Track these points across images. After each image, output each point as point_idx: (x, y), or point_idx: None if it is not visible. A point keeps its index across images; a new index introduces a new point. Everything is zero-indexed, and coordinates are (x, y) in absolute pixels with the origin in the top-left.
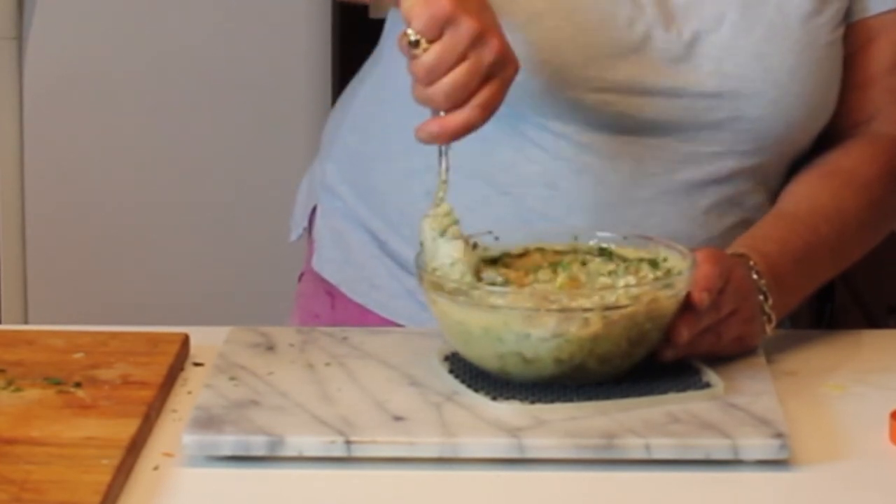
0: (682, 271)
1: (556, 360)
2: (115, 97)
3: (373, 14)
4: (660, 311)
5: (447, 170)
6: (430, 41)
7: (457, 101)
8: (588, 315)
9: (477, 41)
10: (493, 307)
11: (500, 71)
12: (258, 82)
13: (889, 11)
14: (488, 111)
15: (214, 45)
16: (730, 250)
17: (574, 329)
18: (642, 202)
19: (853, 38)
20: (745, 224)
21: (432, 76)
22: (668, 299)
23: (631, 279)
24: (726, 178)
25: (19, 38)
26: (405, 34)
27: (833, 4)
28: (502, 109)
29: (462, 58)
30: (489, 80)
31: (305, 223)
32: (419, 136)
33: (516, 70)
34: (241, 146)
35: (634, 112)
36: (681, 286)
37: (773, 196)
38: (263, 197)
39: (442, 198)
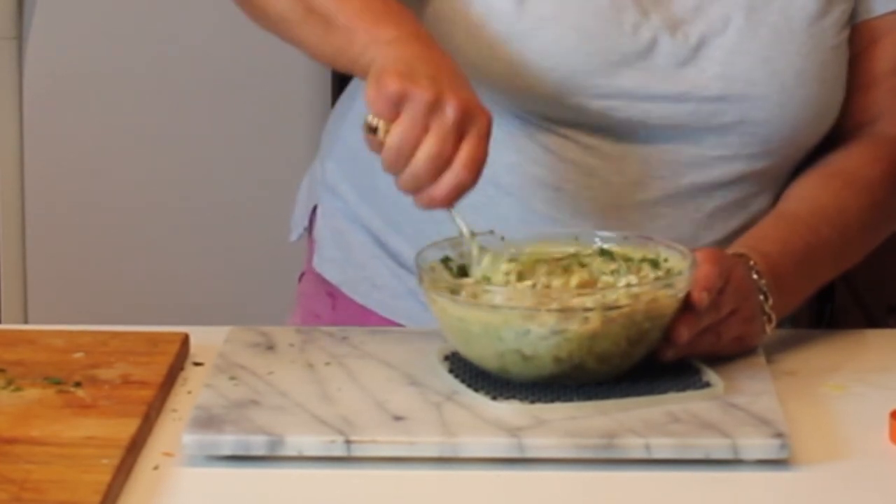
0: (682, 271)
1: (555, 359)
2: (115, 97)
3: None
4: (659, 310)
5: (466, 226)
6: (391, 123)
7: (439, 170)
8: (588, 314)
9: (434, 107)
10: (493, 306)
11: (471, 126)
12: (258, 82)
13: (893, 12)
14: (474, 168)
15: (214, 44)
16: (730, 250)
17: (574, 328)
18: (648, 205)
19: (857, 39)
20: (750, 227)
21: (401, 157)
22: (668, 299)
23: (632, 278)
24: (732, 182)
25: (19, 38)
26: (365, 122)
27: (838, 6)
28: (508, 113)
29: (424, 129)
30: (464, 138)
31: (306, 223)
32: (420, 204)
33: (489, 120)
34: (242, 146)
35: (641, 118)
36: (681, 286)
37: (779, 199)
38: (264, 196)
39: (480, 252)
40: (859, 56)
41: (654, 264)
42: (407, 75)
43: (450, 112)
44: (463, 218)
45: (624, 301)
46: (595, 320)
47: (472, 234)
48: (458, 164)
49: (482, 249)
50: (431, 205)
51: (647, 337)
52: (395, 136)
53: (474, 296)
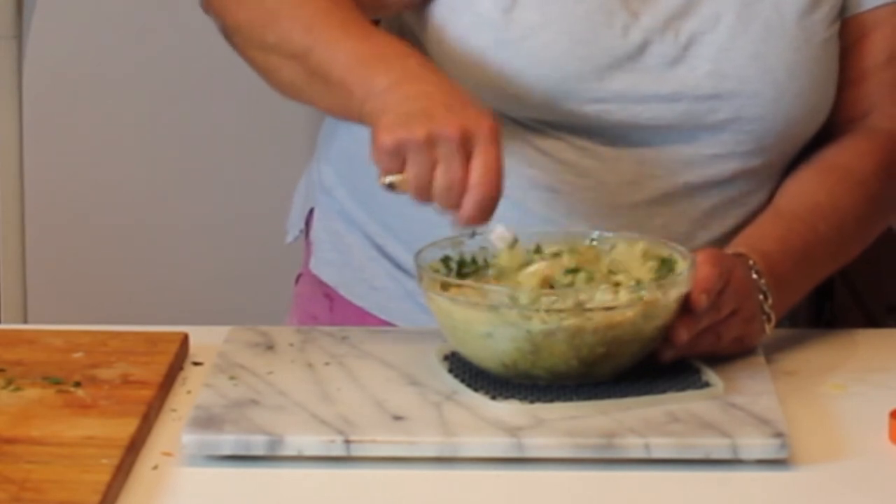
0: (682, 272)
1: (555, 359)
2: (115, 97)
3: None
4: (659, 311)
5: (500, 240)
6: (403, 173)
7: (459, 195)
8: (588, 314)
9: (431, 143)
10: (492, 305)
11: (475, 140)
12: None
13: (883, 6)
14: (489, 180)
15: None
16: (729, 249)
17: (574, 328)
18: (644, 205)
19: (848, 33)
20: (746, 225)
21: (426, 197)
22: (668, 300)
23: (632, 278)
24: (728, 180)
25: (19, 37)
26: (382, 184)
27: (828, 1)
28: (501, 117)
29: (433, 166)
30: (475, 152)
31: (302, 225)
32: (461, 227)
33: (490, 126)
34: (242, 146)
35: (634, 119)
36: (680, 287)
37: (774, 195)
38: (264, 197)
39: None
40: (850, 50)
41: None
42: (398, 125)
43: (445, 141)
44: (497, 233)
45: (624, 301)
46: (595, 321)
47: (515, 241)
48: (474, 181)
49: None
50: (470, 223)
51: (647, 337)
52: (412, 185)
53: (474, 295)
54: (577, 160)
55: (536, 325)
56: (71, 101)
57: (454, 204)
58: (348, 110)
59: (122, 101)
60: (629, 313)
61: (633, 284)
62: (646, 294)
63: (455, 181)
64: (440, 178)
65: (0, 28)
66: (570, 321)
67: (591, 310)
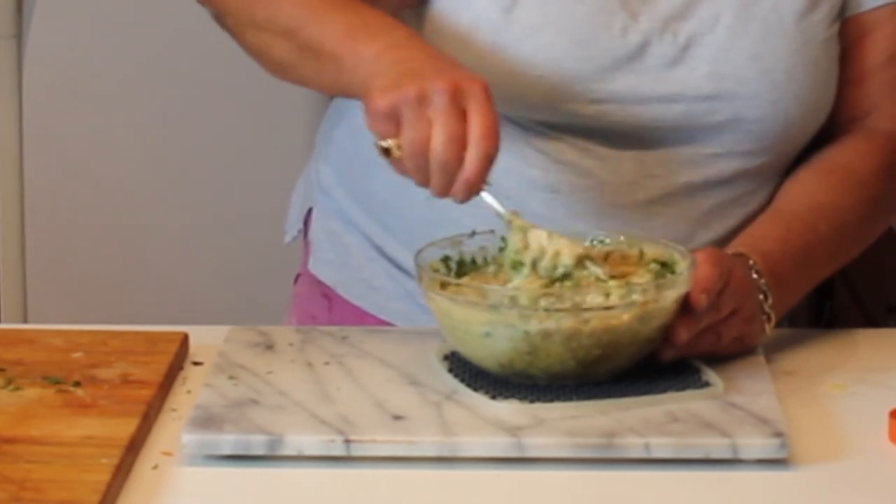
0: (682, 272)
1: (555, 359)
2: (115, 97)
3: None
4: (659, 311)
5: (500, 206)
6: (398, 138)
7: (459, 151)
8: (587, 314)
9: (423, 100)
10: (492, 305)
11: (468, 98)
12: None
13: (883, 6)
14: (491, 135)
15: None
16: (729, 249)
17: (573, 328)
18: (644, 205)
19: (848, 33)
20: (747, 225)
21: (423, 158)
22: (668, 300)
23: (631, 279)
24: (728, 180)
25: (19, 37)
26: (377, 148)
27: (827, 1)
28: (501, 117)
29: (428, 124)
30: (470, 109)
31: (301, 225)
32: (460, 197)
33: (483, 86)
34: (241, 146)
35: (634, 120)
36: (680, 286)
37: (774, 195)
38: (263, 196)
39: (520, 228)
40: (850, 50)
41: (665, 265)
42: (390, 87)
43: (439, 96)
44: (495, 198)
45: (623, 301)
46: (595, 321)
47: (513, 214)
48: (474, 137)
49: (519, 227)
50: (469, 189)
51: (647, 337)
52: (407, 142)
53: (473, 295)
54: (577, 161)
55: (534, 325)
56: (71, 101)
57: (454, 159)
58: (339, 83)
59: (122, 101)
60: (625, 317)
61: (629, 287)
62: (641, 298)
63: (455, 134)
64: (438, 133)
65: (0, 28)
66: (567, 323)
67: (588, 310)
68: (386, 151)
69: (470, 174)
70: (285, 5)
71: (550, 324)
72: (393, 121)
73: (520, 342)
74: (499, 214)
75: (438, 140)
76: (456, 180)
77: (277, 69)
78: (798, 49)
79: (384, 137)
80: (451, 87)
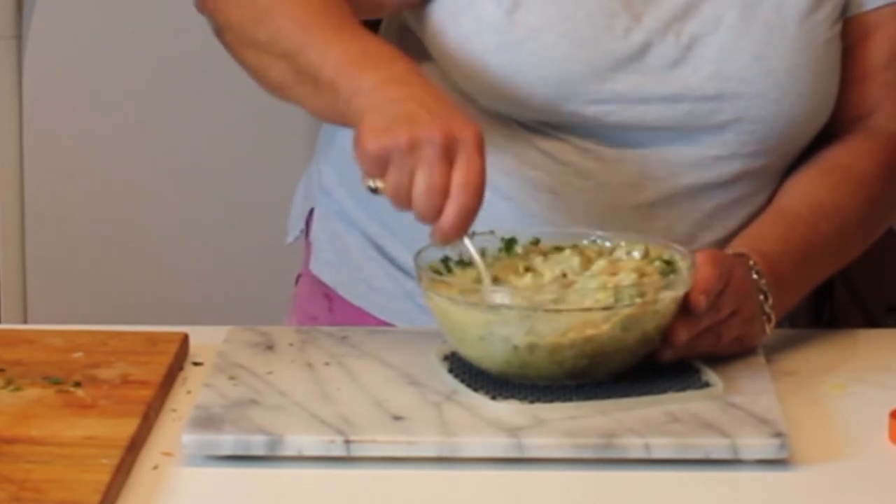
0: (682, 272)
1: (555, 360)
2: (115, 97)
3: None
4: (659, 311)
5: (477, 254)
6: (379, 183)
7: (438, 202)
8: (587, 315)
9: (413, 148)
10: (492, 306)
11: (458, 147)
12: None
13: (886, 6)
14: (471, 189)
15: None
16: (730, 249)
17: (573, 328)
18: (646, 206)
19: (850, 33)
20: (748, 226)
21: (404, 204)
22: (668, 300)
23: (631, 279)
24: (730, 181)
25: (19, 37)
26: (366, 186)
27: (830, 1)
28: (504, 118)
29: (412, 172)
30: (458, 159)
31: (302, 225)
32: (437, 243)
33: (475, 134)
34: (242, 146)
35: (636, 120)
36: (680, 287)
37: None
38: (264, 196)
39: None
40: (852, 50)
41: (654, 264)
42: (382, 129)
43: (428, 145)
44: (474, 245)
45: (623, 302)
46: (595, 321)
47: (483, 254)
48: (455, 190)
49: (488, 264)
50: (446, 239)
51: (646, 338)
52: (391, 188)
53: (473, 295)
54: (578, 161)
55: (521, 339)
56: (71, 101)
57: (433, 210)
58: (335, 110)
59: (123, 102)
60: (605, 327)
61: (633, 285)
62: (626, 304)
63: (434, 186)
64: (420, 182)
65: (0, 28)
66: (547, 339)
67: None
68: (374, 190)
69: (446, 225)
70: (287, 28)
71: (534, 338)
72: (381, 162)
73: (510, 356)
74: (476, 264)
75: (419, 190)
76: (434, 229)
77: (274, 89)
78: (801, 49)
79: (372, 176)
80: (443, 136)
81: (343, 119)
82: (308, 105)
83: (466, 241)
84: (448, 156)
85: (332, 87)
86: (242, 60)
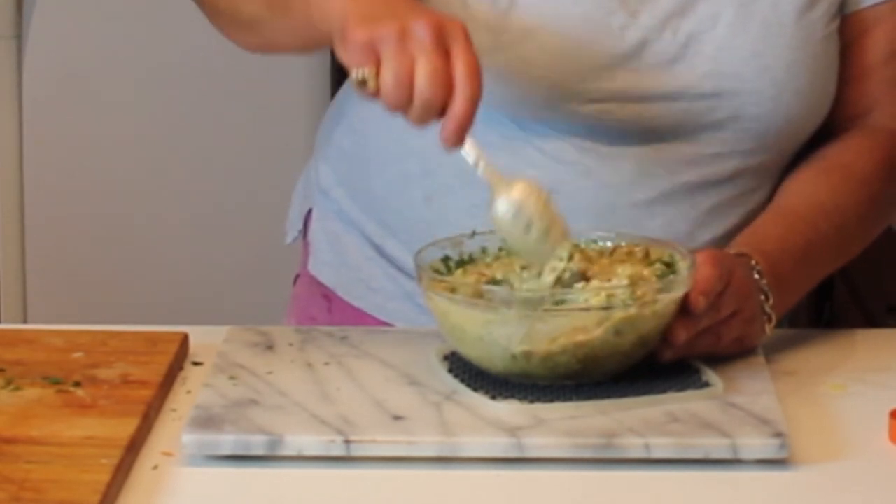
0: (682, 272)
1: (555, 360)
2: (114, 97)
3: None
4: (659, 311)
5: (475, 151)
6: (376, 70)
7: (443, 87)
8: (587, 315)
9: (406, 35)
10: (492, 306)
11: (451, 39)
12: (257, 83)
13: (883, 2)
14: (476, 77)
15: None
16: (731, 249)
17: (573, 329)
18: (644, 204)
19: (848, 30)
20: (747, 224)
21: (403, 89)
22: (667, 300)
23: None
24: (729, 179)
25: (19, 37)
26: (351, 79)
27: None
28: (501, 117)
29: (410, 57)
30: (453, 49)
31: (300, 226)
32: (446, 146)
33: (463, 28)
34: (241, 147)
35: (634, 118)
36: (680, 287)
37: (775, 193)
38: (263, 197)
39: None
40: (850, 47)
41: (654, 265)
42: (370, 18)
43: (422, 33)
44: (474, 144)
45: (623, 302)
46: (595, 322)
47: (481, 162)
48: (460, 79)
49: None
50: (460, 131)
51: (646, 338)
52: (388, 72)
53: (473, 295)
54: (577, 160)
55: (517, 347)
56: (71, 101)
57: (436, 97)
58: (308, 31)
59: (122, 102)
60: (597, 332)
61: (633, 285)
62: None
63: (439, 69)
64: (422, 66)
65: (0, 28)
66: (541, 346)
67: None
68: (362, 83)
69: (459, 114)
70: None
71: (528, 346)
72: (370, 52)
73: (508, 361)
74: (473, 161)
75: (423, 75)
76: (444, 124)
77: (248, 31)
78: (798, 46)
79: (359, 66)
80: (434, 25)
81: (319, 35)
82: (283, 38)
83: (470, 140)
84: (442, 45)
85: (304, 3)
86: (215, 5)
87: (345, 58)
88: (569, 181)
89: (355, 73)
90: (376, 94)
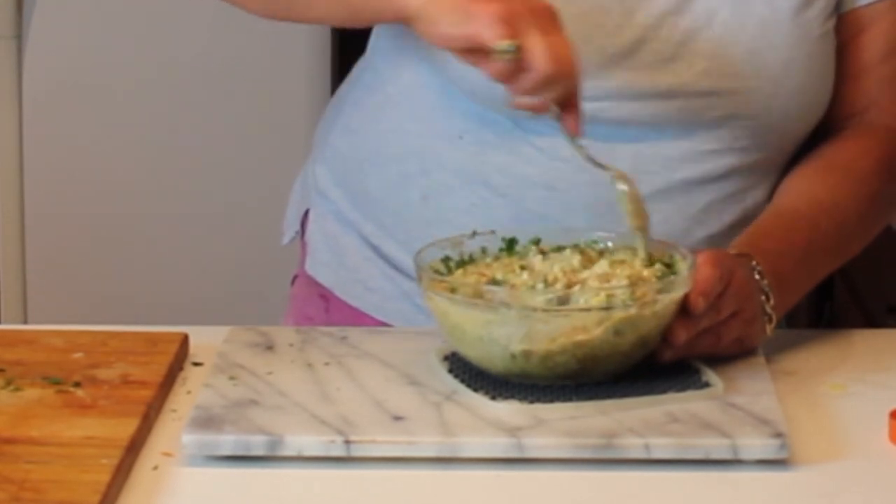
0: (682, 272)
1: (555, 360)
2: (114, 97)
3: None
4: (658, 312)
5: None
6: (516, 41)
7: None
8: (587, 315)
9: (535, 13)
10: (492, 306)
11: (552, 16)
12: (257, 83)
13: (880, 1)
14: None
15: (214, 46)
16: (731, 249)
17: (573, 329)
18: None
19: (845, 28)
20: (745, 221)
21: (560, 68)
22: (667, 300)
23: (631, 279)
24: (725, 176)
25: (19, 37)
26: (497, 52)
27: None
28: (498, 115)
29: (555, 36)
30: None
31: (298, 226)
32: (573, 135)
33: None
34: (241, 147)
35: (630, 116)
36: (679, 288)
37: (773, 191)
38: (262, 197)
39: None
40: (847, 45)
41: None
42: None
43: (545, 13)
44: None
45: (623, 302)
46: (595, 322)
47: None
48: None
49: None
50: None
51: (646, 338)
52: (541, 45)
53: (473, 295)
54: (573, 157)
55: (517, 347)
56: (71, 101)
57: (577, 76)
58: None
59: (122, 102)
60: (596, 332)
61: (632, 285)
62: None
63: (570, 48)
64: (565, 45)
65: (0, 28)
66: (541, 346)
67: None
68: (508, 52)
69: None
70: None
71: (528, 345)
72: (510, 25)
73: (507, 361)
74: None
75: (563, 50)
76: (572, 116)
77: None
78: (795, 44)
79: (503, 38)
80: (540, 5)
81: (385, 9)
82: (336, 11)
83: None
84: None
85: None
86: None
87: (482, 29)
88: (565, 178)
89: (506, 46)
90: (514, 68)
